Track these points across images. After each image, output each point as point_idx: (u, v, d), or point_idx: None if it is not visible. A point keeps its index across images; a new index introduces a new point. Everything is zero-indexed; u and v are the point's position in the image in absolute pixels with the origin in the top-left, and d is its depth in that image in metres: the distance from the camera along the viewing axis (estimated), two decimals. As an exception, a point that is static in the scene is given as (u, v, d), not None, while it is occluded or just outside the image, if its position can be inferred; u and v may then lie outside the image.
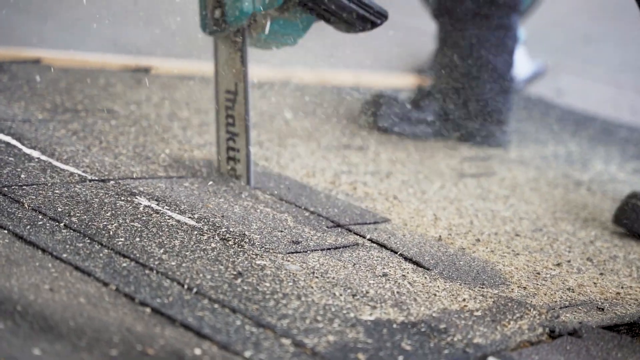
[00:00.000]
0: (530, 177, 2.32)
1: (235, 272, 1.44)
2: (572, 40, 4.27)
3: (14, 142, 1.80)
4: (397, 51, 3.50)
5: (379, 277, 1.53)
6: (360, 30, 1.69)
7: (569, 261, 1.75)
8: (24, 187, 1.61)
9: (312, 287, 1.45)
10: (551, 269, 1.70)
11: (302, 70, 2.84)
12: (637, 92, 3.77)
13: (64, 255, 1.39)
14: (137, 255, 1.44)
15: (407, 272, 1.57)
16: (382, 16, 1.68)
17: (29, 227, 1.47)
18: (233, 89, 1.79)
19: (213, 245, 1.53)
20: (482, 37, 2.42)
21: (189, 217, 1.62)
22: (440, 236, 1.77)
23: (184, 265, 1.43)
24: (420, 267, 1.61)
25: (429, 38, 3.31)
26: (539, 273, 1.67)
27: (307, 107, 2.54)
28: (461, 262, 1.66)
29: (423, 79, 3.08)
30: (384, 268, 1.57)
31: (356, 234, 1.70)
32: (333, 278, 1.49)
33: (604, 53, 4.26)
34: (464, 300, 1.50)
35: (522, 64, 3.19)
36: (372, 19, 1.67)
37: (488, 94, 2.49)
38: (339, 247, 1.62)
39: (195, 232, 1.56)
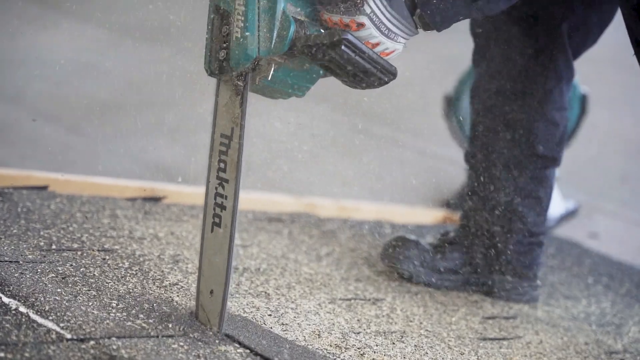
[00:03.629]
0: (558, 343, 2.12)
1: None
2: (608, 180, 4.11)
3: (-6, 288, 1.67)
4: (423, 181, 3.37)
5: None
6: (366, 86, 1.66)
7: None
8: (-8, 346, 1.46)
9: None
10: None
11: (322, 200, 2.71)
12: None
13: None
14: None
15: None
16: (390, 74, 1.65)
17: (-14, 400, 1.31)
18: (228, 133, 1.72)
19: None
20: (516, 188, 2.26)
21: (172, 390, 1.46)
22: (452, 422, 1.58)
23: None
24: None
25: (457, 168, 3.18)
26: None
27: (322, 249, 2.40)
28: None
29: (450, 215, 2.93)
30: None
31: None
32: None
33: (642, 195, 4.09)
34: None
35: (554, 203, 3.03)
36: (379, 76, 1.64)
37: (517, 247, 2.32)
38: None
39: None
